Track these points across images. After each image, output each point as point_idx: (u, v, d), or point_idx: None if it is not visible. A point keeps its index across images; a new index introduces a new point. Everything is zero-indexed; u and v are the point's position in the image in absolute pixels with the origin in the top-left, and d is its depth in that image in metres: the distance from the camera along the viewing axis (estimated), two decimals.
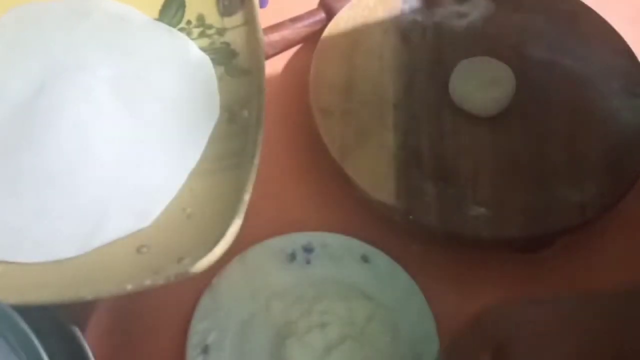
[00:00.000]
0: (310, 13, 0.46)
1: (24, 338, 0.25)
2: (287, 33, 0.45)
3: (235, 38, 0.38)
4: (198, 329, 0.34)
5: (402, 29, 0.46)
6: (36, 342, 0.25)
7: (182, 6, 0.40)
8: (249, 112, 0.35)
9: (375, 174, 0.39)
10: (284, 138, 0.42)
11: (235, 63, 0.37)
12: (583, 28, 0.47)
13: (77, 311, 0.35)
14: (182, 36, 0.39)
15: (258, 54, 0.36)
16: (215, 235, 0.28)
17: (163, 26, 0.39)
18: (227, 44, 0.38)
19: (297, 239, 0.37)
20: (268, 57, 0.43)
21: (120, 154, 0.34)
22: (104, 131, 0.35)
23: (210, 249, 0.27)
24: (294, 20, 0.45)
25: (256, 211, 0.32)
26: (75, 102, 0.35)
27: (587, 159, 0.41)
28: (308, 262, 0.37)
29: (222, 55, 0.38)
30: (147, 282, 0.27)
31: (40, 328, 0.26)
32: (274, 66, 0.45)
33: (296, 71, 0.45)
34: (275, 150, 0.41)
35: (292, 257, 0.37)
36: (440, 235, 0.38)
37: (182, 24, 0.39)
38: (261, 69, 0.35)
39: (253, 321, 0.35)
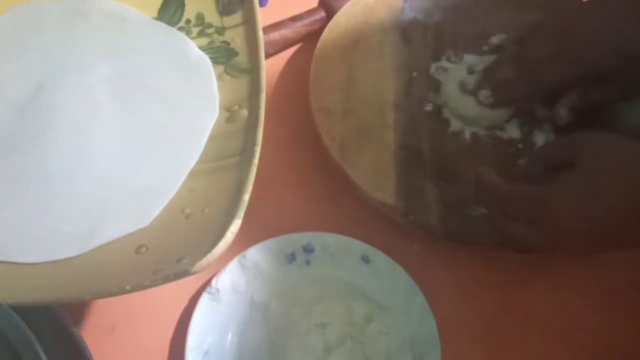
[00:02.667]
0: (310, 12, 0.46)
1: (24, 338, 0.25)
2: (287, 32, 0.45)
3: (235, 37, 0.38)
4: (198, 329, 0.34)
5: (402, 28, 0.46)
6: (35, 342, 0.25)
7: (181, 5, 0.40)
8: (248, 111, 0.35)
9: (375, 174, 0.39)
10: (284, 138, 0.42)
11: (235, 62, 0.37)
12: None
13: (77, 311, 0.35)
14: (181, 35, 0.39)
15: (258, 53, 0.36)
16: (215, 235, 0.28)
17: (162, 25, 0.39)
18: (227, 43, 0.38)
19: (297, 239, 0.37)
20: (268, 56, 0.42)
21: (119, 154, 0.34)
22: (103, 131, 0.35)
23: (209, 249, 0.27)
24: (294, 19, 0.45)
25: (256, 211, 0.32)
26: (75, 102, 0.35)
27: None
28: (308, 262, 0.37)
29: (222, 55, 0.38)
30: (146, 282, 0.27)
31: (39, 328, 0.26)
32: (274, 65, 0.45)
33: (296, 71, 0.45)
34: (275, 150, 0.41)
35: (292, 257, 0.37)
36: (441, 236, 0.38)
37: (181, 23, 0.39)
38: (261, 68, 0.35)
39: (253, 322, 0.35)
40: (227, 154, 0.33)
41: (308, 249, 0.37)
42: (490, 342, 0.37)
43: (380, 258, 0.37)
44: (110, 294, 0.27)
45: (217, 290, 0.35)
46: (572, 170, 0.32)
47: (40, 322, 0.27)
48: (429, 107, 0.43)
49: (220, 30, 0.39)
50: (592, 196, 0.31)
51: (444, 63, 0.44)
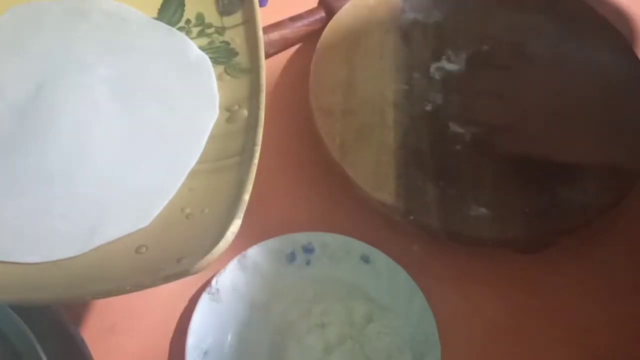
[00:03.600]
0: (310, 12, 0.46)
1: (24, 338, 0.25)
2: (287, 32, 0.45)
3: (235, 37, 0.38)
4: (198, 329, 0.34)
5: (402, 28, 0.46)
6: (35, 342, 0.25)
7: (181, 5, 0.40)
8: (248, 111, 0.35)
9: (375, 173, 0.39)
10: (284, 138, 0.42)
11: (235, 62, 0.37)
12: (583, 27, 0.46)
13: (77, 311, 0.35)
14: (181, 35, 0.39)
15: (258, 53, 0.36)
16: (215, 235, 0.28)
17: (162, 25, 0.39)
18: (227, 43, 0.38)
19: (297, 239, 0.37)
20: (268, 56, 0.42)
21: (119, 154, 0.34)
22: (103, 131, 0.35)
23: (209, 249, 0.27)
24: (294, 19, 0.45)
25: (256, 211, 0.32)
26: (74, 102, 0.35)
27: (588, 158, 0.41)
28: (308, 262, 0.37)
29: (222, 55, 0.38)
30: (146, 282, 0.27)
31: (40, 328, 0.26)
32: (274, 66, 0.45)
33: (296, 71, 0.45)
34: (275, 150, 0.41)
35: (292, 257, 0.37)
36: (441, 236, 0.38)
37: (181, 23, 0.39)
38: (261, 68, 0.35)
39: (253, 322, 0.35)
40: (227, 154, 0.33)
41: (308, 249, 0.37)
42: (490, 342, 0.37)
43: (380, 258, 0.37)
44: (110, 294, 0.27)
45: (217, 290, 0.35)
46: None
47: (40, 322, 0.27)
48: (429, 107, 0.43)
49: (220, 30, 0.39)
50: None
51: (444, 63, 0.44)
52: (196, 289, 0.36)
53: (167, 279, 0.27)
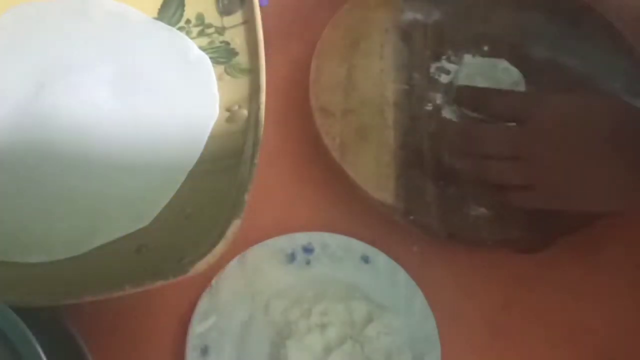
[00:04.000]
0: None
1: (24, 338, 0.25)
2: None
3: (235, 37, 0.38)
4: (198, 329, 0.34)
5: (402, 28, 0.46)
6: (35, 342, 0.25)
7: (181, 5, 0.40)
8: (248, 111, 0.35)
9: (375, 173, 0.39)
10: (284, 138, 0.42)
11: (235, 62, 0.37)
12: (584, 27, 0.46)
13: (77, 311, 0.35)
14: (182, 35, 0.39)
15: (258, 53, 0.36)
16: (215, 235, 0.28)
17: (162, 25, 0.39)
18: (227, 43, 0.38)
19: (297, 239, 0.37)
20: (268, 55, 0.42)
21: (119, 154, 0.34)
22: (103, 131, 0.35)
23: (209, 249, 0.27)
24: None
25: (256, 211, 0.32)
26: (75, 102, 0.35)
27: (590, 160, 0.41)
28: (308, 262, 0.37)
29: (222, 54, 0.38)
30: (146, 282, 0.27)
31: (39, 328, 0.26)
32: (274, 65, 0.45)
33: (296, 71, 0.45)
34: (275, 150, 0.41)
35: (292, 257, 0.37)
36: (441, 236, 0.38)
37: (182, 23, 0.39)
38: (261, 68, 0.35)
39: (253, 322, 0.35)
40: (227, 154, 0.33)
41: (308, 249, 0.37)
42: (490, 342, 0.37)
43: (380, 258, 0.37)
44: (110, 294, 0.27)
45: (217, 290, 0.35)
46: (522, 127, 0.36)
47: (40, 322, 0.27)
48: (429, 107, 0.43)
49: (220, 30, 0.39)
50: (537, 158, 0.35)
51: (444, 63, 0.44)
52: (196, 289, 0.36)
53: (167, 279, 0.27)
